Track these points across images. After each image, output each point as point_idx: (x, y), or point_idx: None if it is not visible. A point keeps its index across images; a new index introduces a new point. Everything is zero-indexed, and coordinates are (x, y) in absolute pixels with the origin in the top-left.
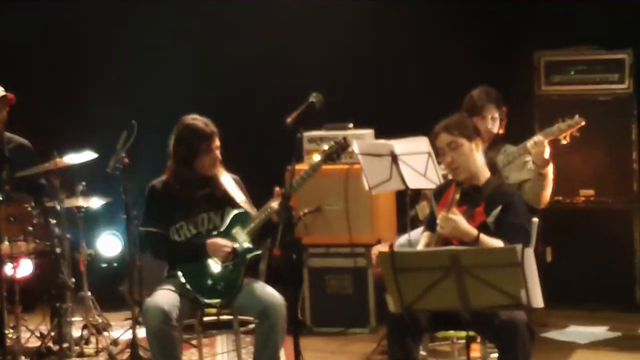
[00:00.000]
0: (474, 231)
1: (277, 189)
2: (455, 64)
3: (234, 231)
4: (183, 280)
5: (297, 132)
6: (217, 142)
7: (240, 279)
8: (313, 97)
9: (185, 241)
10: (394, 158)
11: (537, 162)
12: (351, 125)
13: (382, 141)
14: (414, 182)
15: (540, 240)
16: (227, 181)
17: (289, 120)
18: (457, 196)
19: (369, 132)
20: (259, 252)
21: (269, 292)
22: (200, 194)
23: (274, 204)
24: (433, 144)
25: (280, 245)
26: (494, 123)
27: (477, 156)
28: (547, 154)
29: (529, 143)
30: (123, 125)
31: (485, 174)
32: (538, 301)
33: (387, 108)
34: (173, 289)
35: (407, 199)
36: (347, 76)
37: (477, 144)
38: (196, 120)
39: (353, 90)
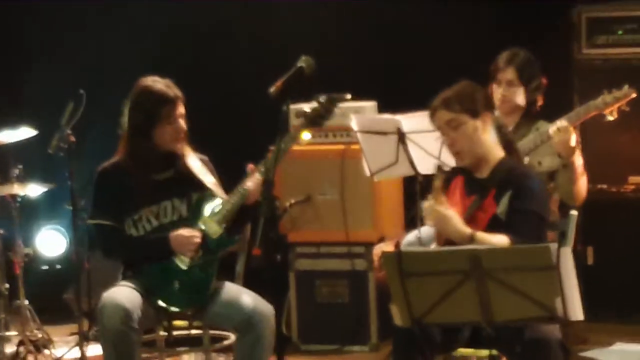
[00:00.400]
0: (465, 230)
1: (250, 165)
2: (477, 23)
3: (201, 220)
4: (144, 284)
5: (283, 104)
6: (182, 110)
7: (213, 281)
8: (302, 62)
9: (145, 236)
10: (401, 137)
11: (561, 152)
12: (349, 96)
13: (386, 116)
14: (426, 166)
15: (580, 239)
16: (194, 163)
17: (272, 89)
18: (438, 183)
19: (370, 105)
20: (233, 246)
21: (252, 298)
22: (162, 176)
23: (249, 184)
24: (432, 122)
25: (261, 243)
26: (509, 89)
27: (484, 135)
28: (573, 141)
29: (552, 129)
30: (68, 96)
31: (496, 154)
32: (576, 313)
33: (394, 76)
34: (134, 286)
35: (417, 187)
36: (343, 36)
37: (485, 120)
38: (156, 82)
39: (351, 53)
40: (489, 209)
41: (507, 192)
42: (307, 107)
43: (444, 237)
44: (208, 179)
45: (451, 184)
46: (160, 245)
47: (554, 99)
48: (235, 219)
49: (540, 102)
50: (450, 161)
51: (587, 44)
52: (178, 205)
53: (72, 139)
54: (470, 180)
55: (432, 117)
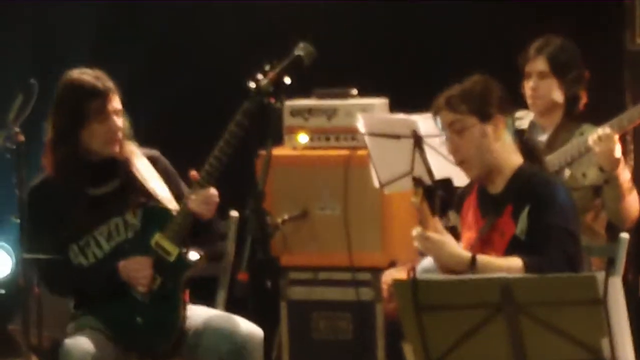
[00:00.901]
0: (463, 254)
1: (193, 173)
2: (510, 8)
3: (153, 240)
4: (103, 322)
5: (276, 100)
6: (117, 104)
7: (181, 310)
8: (300, 49)
9: (93, 268)
10: (418, 141)
11: (603, 164)
12: (355, 91)
13: (400, 116)
14: (448, 176)
15: (631, 266)
16: (142, 165)
17: (265, 82)
18: (416, 199)
19: (381, 103)
20: (197, 265)
21: (240, 322)
22: (103, 190)
23: (189, 201)
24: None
25: (247, 267)
26: (541, 82)
27: (495, 143)
28: (618, 152)
29: (591, 138)
30: (17, 87)
31: (512, 162)
32: (627, 356)
33: (409, 69)
34: (97, 326)
35: (435, 200)
36: (349, 21)
37: (498, 125)
38: (83, 74)
39: (359, 41)
40: (506, 230)
41: (525, 207)
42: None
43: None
44: (158, 185)
45: (464, 204)
46: (110, 279)
47: (602, 98)
48: (193, 233)
49: (584, 100)
50: None
51: None
52: (131, 220)
53: (21, 138)
54: (484, 197)
55: (435, 118)
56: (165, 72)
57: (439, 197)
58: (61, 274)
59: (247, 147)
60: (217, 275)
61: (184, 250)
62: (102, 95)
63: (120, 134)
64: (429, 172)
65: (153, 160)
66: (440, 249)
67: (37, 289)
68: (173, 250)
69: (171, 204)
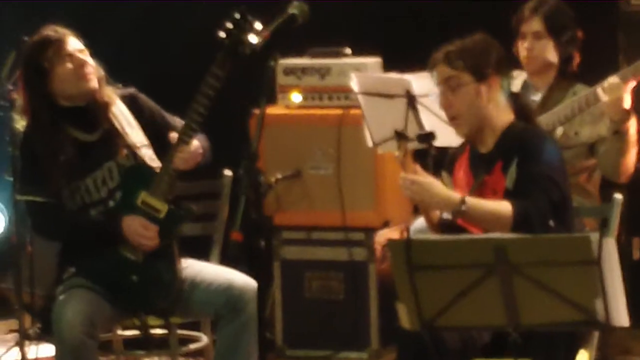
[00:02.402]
0: (453, 195)
1: (171, 135)
2: None
3: (139, 200)
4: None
5: (269, 59)
6: (76, 45)
7: (176, 265)
8: (294, 8)
9: (88, 215)
10: (411, 100)
11: (612, 116)
12: (348, 50)
13: (393, 75)
14: (440, 136)
15: (624, 228)
16: (124, 115)
17: (257, 40)
18: (400, 153)
19: (374, 62)
20: (189, 218)
21: (233, 275)
22: (94, 135)
23: (176, 160)
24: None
25: (241, 226)
26: (536, 42)
27: (489, 104)
28: (627, 103)
29: (600, 88)
30: (9, 44)
31: (503, 119)
32: (620, 317)
33: (402, 27)
34: (89, 284)
35: (429, 160)
36: None
37: (492, 85)
38: (41, 31)
39: (352, 0)
40: (497, 187)
41: (514, 159)
42: (221, 33)
43: (433, 218)
44: (139, 138)
45: (456, 164)
46: (109, 231)
47: (595, 59)
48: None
49: (577, 60)
50: None
51: None
52: (124, 162)
53: (15, 95)
54: (474, 157)
55: (432, 71)
56: (156, 30)
57: (432, 157)
58: (54, 219)
59: (241, 106)
60: (210, 235)
61: (172, 205)
62: (55, 42)
63: (89, 69)
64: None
65: (131, 100)
66: (428, 190)
67: (29, 248)
68: (162, 207)
69: (150, 159)
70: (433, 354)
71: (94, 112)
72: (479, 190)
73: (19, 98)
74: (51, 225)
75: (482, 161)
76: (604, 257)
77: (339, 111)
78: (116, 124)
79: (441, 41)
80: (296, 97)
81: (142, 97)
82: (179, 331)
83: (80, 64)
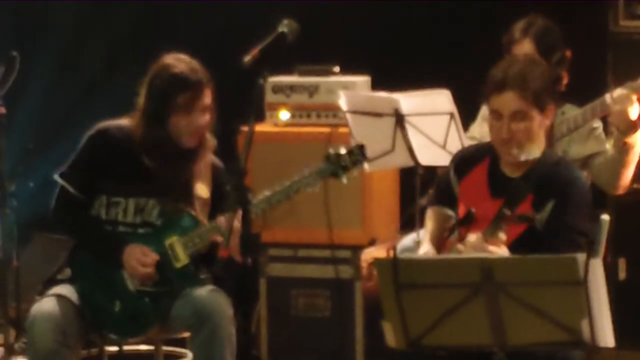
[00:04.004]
0: None
1: (220, 218)
2: None
3: (168, 241)
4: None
5: (258, 77)
6: (207, 100)
7: (159, 316)
8: (284, 26)
9: (104, 229)
10: (400, 119)
11: (620, 126)
12: (337, 69)
13: (382, 94)
14: (428, 156)
15: (611, 248)
16: (204, 163)
17: (247, 59)
18: (503, 237)
19: (363, 80)
20: (196, 286)
21: (203, 288)
22: (165, 171)
23: (222, 221)
24: (486, 97)
25: (228, 244)
26: None
27: (543, 132)
28: (634, 114)
29: (609, 98)
30: None
31: (542, 146)
32: (606, 338)
33: (391, 46)
34: (68, 294)
35: (416, 180)
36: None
37: (549, 115)
38: (180, 61)
39: (342, 18)
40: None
41: (549, 200)
42: (332, 149)
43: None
44: (202, 191)
45: (471, 171)
46: (111, 250)
47: (584, 79)
48: (206, 254)
49: (565, 80)
50: (456, 150)
51: (625, 14)
52: (166, 211)
53: (2, 110)
54: (497, 175)
55: (494, 93)
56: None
57: (419, 176)
58: (74, 215)
59: (229, 123)
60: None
61: (191, 264)
62: (191, 90)
63: (202, 129)
64: (410, 150)
65: (214, 169)
66: None
67: (15, 262)
68: (183, 259)
69: (199, 214)
70: None
71: (183, 153)
72: (501, 216)
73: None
74: (67, 217)
75: (507, 184)
76: (590, 278)
77: (327, 129)
78: (195, 170)
79: (431, 61)
80: (284, 115)
81: (223, 175)
82: (164, 347)
83: (197, 126)
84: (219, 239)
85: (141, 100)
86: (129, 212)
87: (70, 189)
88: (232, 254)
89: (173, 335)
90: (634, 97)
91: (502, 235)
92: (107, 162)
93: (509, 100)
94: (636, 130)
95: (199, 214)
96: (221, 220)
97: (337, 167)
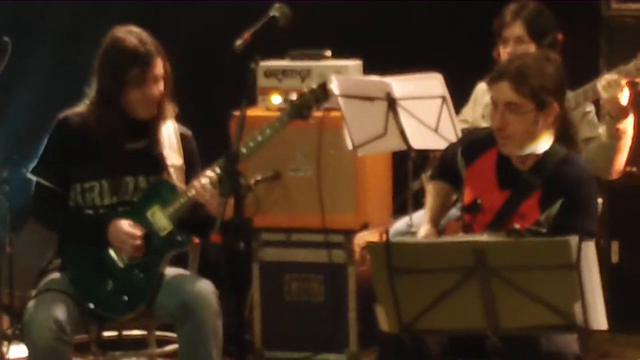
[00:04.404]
0: None
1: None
2: None
3: (150, 212)
4: (73, 280)
5: (250, 61)
6: (159, 70)
7: (153, 285)
8: (275, 10)
9: (84, 214)
10: (392, 103)
11: (611, 112)
12: (329, 53)
13: (374, 78)
14: (420, 140)
15: (604, 232)
16: (169, 135)
17: (238, 43)
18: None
19: (354, 64)
20: (183, 248)
21: (190, 280)
22: (129, 146)
23: (202, 181)
24: (488, 86)
25: (221, 228)
26: (518, 47)
27: (542, 127)
28: (624, 99)
29: (600, 83)
30: None
31: (546, 142)
32: (599, 321)
33: (383, 30)
34: (62, 287)
35: (409, 164)
36: None
37: (550, 113)
38: (130, 33)
39: (333, 2)
40: (528, 214)
41: (557, 198)
42: (292, 94)
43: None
44: (174, 159)
45: (480, 158)
46: (96, 232)
47: (576, 62)
48: (185, 219)
49: None
50: (449, 135)
51: None
52: (142, 184)
53: None
54: (506, 166)
55: (495, 82)
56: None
57: (412, 159)
58: (54, 208)
59: (221, 108)
60: None
61: (174, 229)
62: (142, 63)
63: (157, 100)
64: (403, 134)
65: (183, 138)
66: None
67: (8, 248)
68: (166, 226)
69: (178, 181)
70: (412, 356)
71: (143, 125)
72: (508, 209)
73: None
74: (48, 213)
75: (515, 177)
76: (583, 261)
77: (319, 114)
78: (160, 140)
79: (422, 45)
80: (276, 99)
81: (193, 143)
82: (157, 332)
83: (151, 97)
84: (201, 197)
85: (95, 77)
86: (105, 194)
87: (45, 183)
88: (211, 211)
89: (159, 321)
90: (624, 82)
91: None
92: (73, 149)
93: (503, 91)
94: (627, 115)
95: (176, 181)
96: (198, 181)
97: (302, 108)
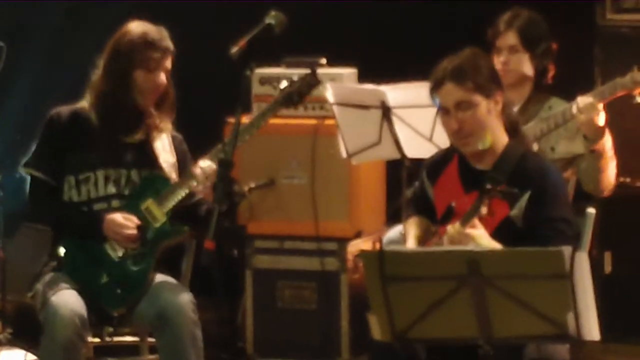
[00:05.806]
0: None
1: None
2: None
3: (144, 205)
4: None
5: (245, 68)
6: (169, 64)
7: (147, 277)
8: (271, 18)
9: (79, 207)
10: (386, 112)
11: (587, 134)
12: (324, 61)
13: (369, 86)
14: (414, 148)
15: (597, 242)
16: (161, 137)
17: (233, 50)
18: (484, 210)
19: (349, 72)
20: (177, 238)
21: (169, 289)
22: (124, 138)
23: (199, 169)
24: (432, 95)
25: (214, 235)
26: (512, 56)
27: (495, 118)
28: (601, 120)
29: (575, 107)
30: None
31: (502, 138)
32: (591, 331)
33: (378, 38)
34: (72, 286)
35: (402, 172)
36: None
37: (498, 101)
38: (149, 26)
39: (329, 10)
40: (496, 210)
41: (523, 192)
42: (283, 81)
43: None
44: (167, 156)
45: (443, 172)
46: (91, 226)
47: (571, 72)
48: (181, 212)
49: (552, 72)
50: (442, 143)
51: (612, 8)
52: (134, 177)
53: None
54: (467, 170)
55: (436, 90)
56: None
57: (406, 168)
58: (48, 201)
59: (216, 114)
60: (183, 243)
61: (168, 220)
62: (159, 50)
63: (161, 89)
64: (397, 143)
65: (174, 139)
66: (474, 240)
67: (1, 253)
68: (161, 217)
69: (171, 174)
70: None
71: (140, 118)
72: (477, 207)
73: None
74: (44, 207)
75: (478, 178)
76: (576, 271)
77: (313, 121)
78: (156, 137)
79: (416, 52)
80: None
81: (184, 145)
82: (149, 339)
83: (159, 84)
84: (194, 188)
85: (102, 69)
86: (100, 185)
87: (38, 174)
88: (206, 198)
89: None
90: (600, 106)
91: (484, 210)
92: (66, 140)
93: (449, 92)
94: (603, 136)
95: (168, 175)
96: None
97: (292, 94)
